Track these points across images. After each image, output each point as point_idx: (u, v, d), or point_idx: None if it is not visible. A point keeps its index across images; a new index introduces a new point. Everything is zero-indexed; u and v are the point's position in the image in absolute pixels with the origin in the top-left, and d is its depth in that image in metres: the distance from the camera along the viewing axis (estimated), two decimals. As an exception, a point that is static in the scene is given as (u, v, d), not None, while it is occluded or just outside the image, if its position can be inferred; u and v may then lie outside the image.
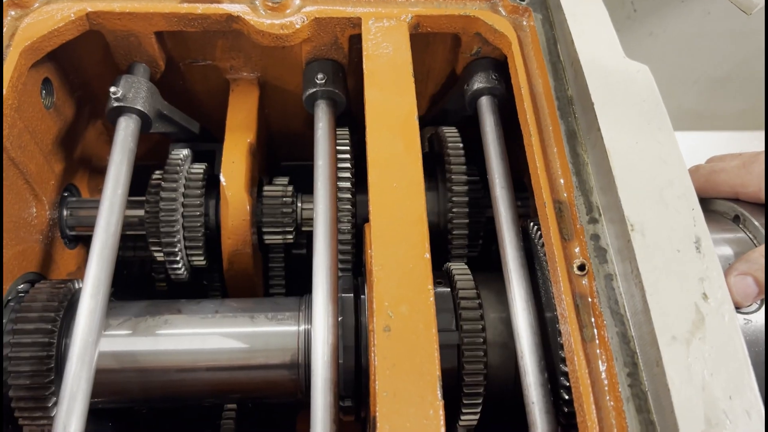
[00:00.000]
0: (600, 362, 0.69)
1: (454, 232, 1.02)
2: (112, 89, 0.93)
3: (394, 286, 0.74)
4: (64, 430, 0.71)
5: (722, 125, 2.14)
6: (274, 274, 1.16)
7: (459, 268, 0.94)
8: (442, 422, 0.65)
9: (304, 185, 1.13)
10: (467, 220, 1.02)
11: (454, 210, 1.01)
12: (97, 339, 0.77)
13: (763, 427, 0.61)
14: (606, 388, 0.68)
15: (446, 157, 1.04)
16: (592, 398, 0.67)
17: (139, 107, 0.95)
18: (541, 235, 0.85)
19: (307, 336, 0.89)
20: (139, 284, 1.23)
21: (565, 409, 0.79)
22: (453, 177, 1.02)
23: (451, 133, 1.07)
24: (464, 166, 1.02)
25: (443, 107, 1.16)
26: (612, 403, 0.67)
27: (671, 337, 0.65)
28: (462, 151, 1.04)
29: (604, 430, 0.66)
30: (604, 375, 0.69)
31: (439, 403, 0.66)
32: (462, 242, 1.03)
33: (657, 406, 0.66)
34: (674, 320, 0.66)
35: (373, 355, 0.76)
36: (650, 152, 0.78)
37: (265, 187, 1.09)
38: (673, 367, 0.64)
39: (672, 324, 0.66)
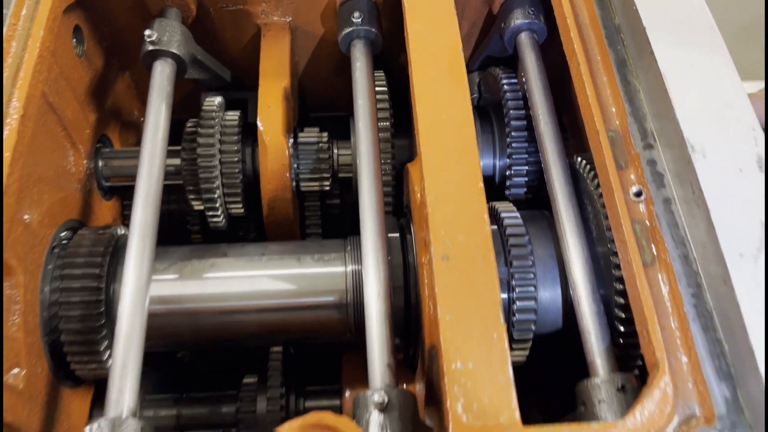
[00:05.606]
0: (662, 285, 0.69)
1: (513, 169, 1.00)
2: (147, 32, 0.92)
3: (449, 215, 0.73)
4: (122, 372, 0.70)
5: (749, 75, 2.10)
6: (311, 223, 1.15)
7: (505, 207, 0.93)
8: (506, 345, 0.65)
9: (335, 135, 1.12)
10: (527, 156, 1.00)
11: (514, 145, 0.99)
12: (147, 282, 0.77)
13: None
14: (669, 310, 0.67)
15: (502, 93, 1.01)
16: (656, 319, 0.66)
17: (174, 50, 0.93)
18: (590, 168, 0.84)
19: (355, 276, 0.89)
20: (171, 238, 1.23)
21: (621, 341, 0.79)
22: (511, 112, 0.99)
23: (505, 71, 1.05)
24: (522, 101, 1.00)
25: (482, 53, 1.14)
26: (677, 323, 0.66)
27: (739, 255, 0.64)
28: (518, 84, 1.01)
29: (670, 350, 0.65)
30: (666, 297, 0.68)
31: (503, 326, 0.66)
32: (521, 180, 1.01)
33: (724, 324, 0.65)
34: (741, 238, 0.65)
35: (425, 285, 0.76)
36: (706, 74, 0.76)
37: (301, 134, 1.07)
38: (743, 284, 0.63)
39: (739, 241, 0.65)
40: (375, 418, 0.67)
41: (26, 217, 0.79)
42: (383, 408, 0.67)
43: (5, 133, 0.75)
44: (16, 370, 0.75)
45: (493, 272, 0.69)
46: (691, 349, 0.65)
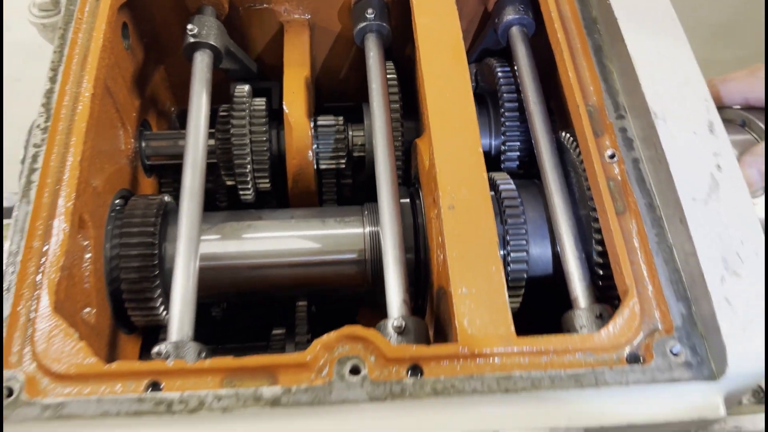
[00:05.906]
0: (632, 228, 0.83)
1: (507, 145, 1.14)
2: (189, 26, 1.06)
3: (454, 174, 0.87)
4: (182, 307, 0.83)
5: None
6: (327, 198, 1.28)
7: (501, 176, 1.07)
8: (503, 275, 0.79)
9: (348, 121, 1.26)
10: (519, 135, 1.13)
11: (507, 124, 1.13)
12: (198, 234, 0.90)
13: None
14: (637, 248, 0.81)
15: (497, 80, 1.15)
16: (627, 256, 0.80)
17: (212, 42, 1.07)
18: (573, 139, 0.98)
19: (372, 236, 1.02)
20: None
21: (600, 283, 0.93)
22: (505, 95, 1.13)
23: (499, 61, 1.20)
24: (514, 86, 1.14)
25: (478, 46, 1.29)
26: (643, 258, 0.80)
27: (692, 199, 0.78)
28: (510, 72, 1.15)
29: (638, 279, 0.79)
30: (635, 237, 0.82)
31: (499, 260, 0.80)
32: (514, 155, 1.14)
33: (681, 255, 0.79)
34: (694, 185, 0.79)
35: (434, 237, 0.90)
36: (669, 58, 0.91)
37: (319, 119, 1.21)
38: (695, 221, 0.77)
39: (692, 188, 0.79)
40: (394, 339, 0.80)
41: (93, 182, 0.93)
42: (401, 331, 0.81)
43: (79, 108, 0.89)
44: (88, 309, 0.88)
45: (491, 218, 0.83)
46: (655, 277, 0.79)
